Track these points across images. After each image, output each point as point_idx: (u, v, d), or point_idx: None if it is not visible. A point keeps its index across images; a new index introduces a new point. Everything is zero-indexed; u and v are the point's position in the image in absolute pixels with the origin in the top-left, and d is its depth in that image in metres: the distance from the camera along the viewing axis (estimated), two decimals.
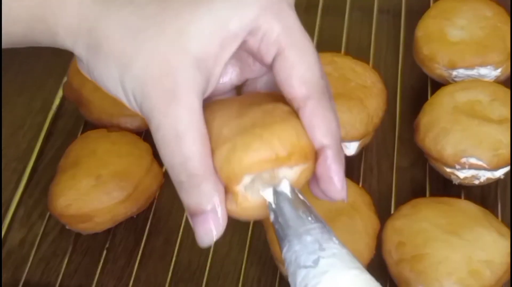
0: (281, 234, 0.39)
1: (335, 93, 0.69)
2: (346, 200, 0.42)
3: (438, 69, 0.74)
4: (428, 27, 0.76)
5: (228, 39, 0.40)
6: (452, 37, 0.74)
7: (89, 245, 0.70)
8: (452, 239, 0.60)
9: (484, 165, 0.66)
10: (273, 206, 0.39)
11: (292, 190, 0.40)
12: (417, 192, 0.71)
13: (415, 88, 0.80)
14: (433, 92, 0.73)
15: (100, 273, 0.68)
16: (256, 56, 0.42)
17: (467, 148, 0.66)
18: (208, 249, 0.68)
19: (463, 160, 0.66)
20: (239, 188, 0.39)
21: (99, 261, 0.68)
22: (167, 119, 0.38)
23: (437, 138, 0.67)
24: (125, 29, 0.39)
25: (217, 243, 0.70)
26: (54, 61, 0.84)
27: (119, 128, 0.73)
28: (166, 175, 0.72)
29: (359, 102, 0.69)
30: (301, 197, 0.40)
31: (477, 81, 0.72)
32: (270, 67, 0.42)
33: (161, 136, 0.38)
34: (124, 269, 0.68)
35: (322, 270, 0.37)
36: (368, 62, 0.78)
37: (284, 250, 0.39)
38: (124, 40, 0.39)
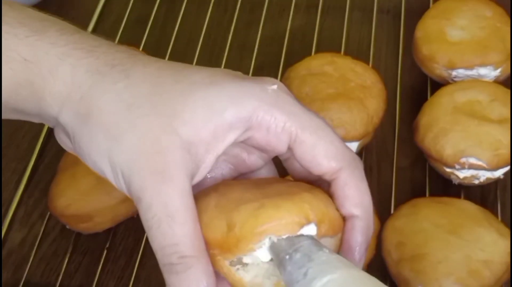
0: (277, 264, 0.38)
1: (335, 93, 0.70)
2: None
3: (438, 69, 0.75)
4: (428, 27, 0.76)
5: (222, 129, 0.39)
6: (452, 37, 0.74)
7: (89, 245, 0.70)
8: (452, 239, 0.60)
9: (484, 165, 0.66)
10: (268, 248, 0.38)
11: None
12: (416, 192, 0.71)
13: (414, 89, 0.80)
14: (432, 93, 0.73)
15: (100, 272, 0.68)
16: (266, 149, 0.41)
17: (466, 148, 0.66)
18: None
19: (463, 159, 0.66)
20: (249, 255, 0.37)
21: (100, 260, 0.68)
22: (159, 199, 0.37)
23: (436, 138, 0.67)
24: (118, 102, 0.39)
25: None
26: None
27: None
28: None
29: (359, 102, 0.69)
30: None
31: (476, 82, 0.72)
32: (287, 154, 0.41)
33: (151, 216, 0.37)
34: (125, 268, 0.68)
35: (310, 278, 0.36)
36: (368, 62, 0.78)
37: (282, 276, 0.38)
38: (117, 113, 0.38)
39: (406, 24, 0.84)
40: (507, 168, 0.68)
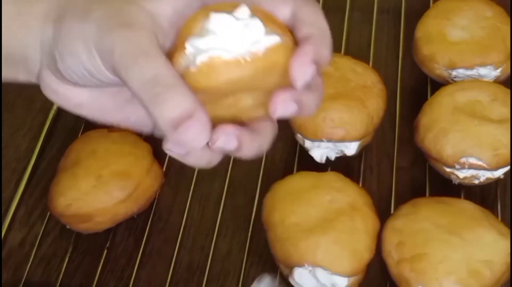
0: None
1: (335, 93, 0.70)
2: (299, 85, 0.38)
3: (438, 69, 0.75)
4: (428, 27, 0.76)
5: None
6: (452, 37, 0.74)
7: (89, 245, 0.70)
8: (452, 238, 0.60)
9: (484, 165, 0.66)
10: None
11: None
12: (417, 192, 0.71)
13: (415, 88, 0.80)
14: (432, 92, 0.73)
15: (100, 272, 0.68)
16: None
17: (466, 148, 0.66)
18: (208, 248, 0.68)
19: (463, 159, 0.66)
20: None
21: (100, 261, 0.68)
22: (131, 42, 0.38)
23: (436, 138, 0.67)
24: (86, 3, 0.40)
25: (217, 242, 0.71)
26: None
27: (119, 128, 0.73)
28: (166, 175, 0.73)
29: (359, 103, 0.69)
30: None
31: (476, 81, 0.72)
32: None
33: (127, 58, 0.38)
34: (125, 268, 0.68)
35: None
36: (368, 62, 0.78)
37: None
38: (85, 2, 0.40)
39: (406, 24, 0.84)
40: (507, 168, 0.68)
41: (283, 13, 0.40)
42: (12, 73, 0.45)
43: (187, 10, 0.40)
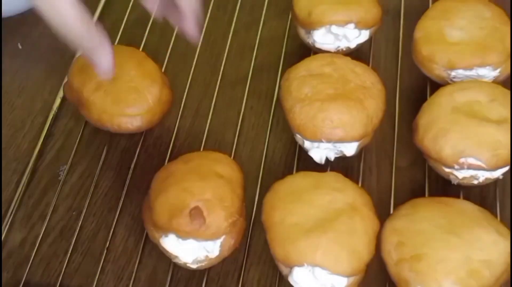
0: None
1: (334, 94, 0.70)
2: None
3: (437, 70, 0.75)
4: (427, 28, 0.76)
5: None
6: (451, 38, 0.75)
7: (89, 245, 0.70)
8: (451, 239, 0.60)
9: (483, 165, 0.66)
10: None
11: None
12: (416, 192, 0.71)
13: (414, 89, 0.80)
14: (432, 93, 0.73)
15: (100, 273, 0.68)
16: None
17: (466, 148, 0.66)
18: None
19: (462, 160, 0.66)
20: None
21: (100, 261, 0.69)
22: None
23: (436, 138, 0.67)
24: None
25: None
26: (54, 61, 0.85)
27: (119, 128, 0.73)
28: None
29: (359, 103, 0.69)
30: None
31: (476, 82, 0.72)
32: None
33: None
34: (125, 269, 0.68)
35: None
36: (367, 63, 0.78)
37: None
38: None
39: (405, 24, 0.84)
40: (506, 168, 0.68)
41: None
42: None
43: None
